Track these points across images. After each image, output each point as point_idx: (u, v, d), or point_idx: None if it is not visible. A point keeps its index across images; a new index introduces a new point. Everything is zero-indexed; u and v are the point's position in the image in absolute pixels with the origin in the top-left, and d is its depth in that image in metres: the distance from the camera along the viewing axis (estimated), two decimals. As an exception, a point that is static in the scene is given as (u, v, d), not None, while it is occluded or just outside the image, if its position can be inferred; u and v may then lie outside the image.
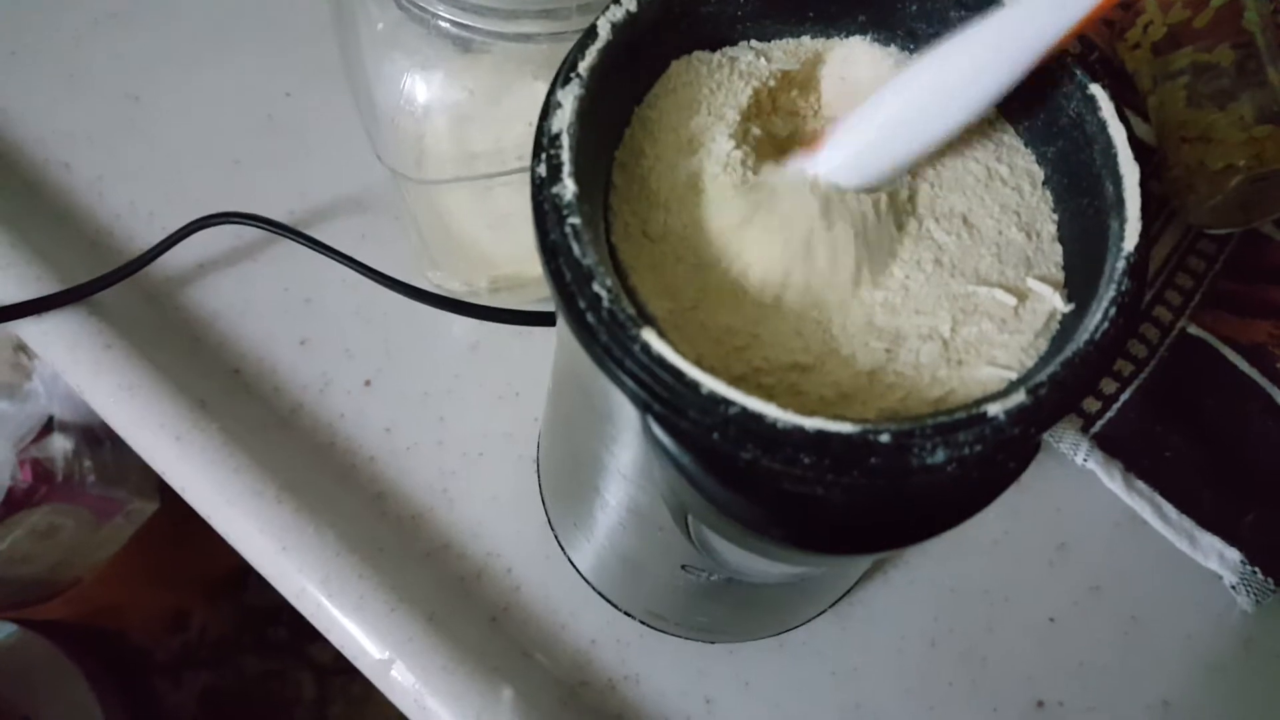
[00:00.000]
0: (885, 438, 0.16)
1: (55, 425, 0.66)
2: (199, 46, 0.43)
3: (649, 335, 0.17)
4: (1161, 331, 0.40)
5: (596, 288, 0.17)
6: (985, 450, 0.16)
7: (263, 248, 0.38)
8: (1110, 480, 0.37)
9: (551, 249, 0.18)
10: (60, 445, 0.69)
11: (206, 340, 0.37)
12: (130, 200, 0.39)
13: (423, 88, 0.27)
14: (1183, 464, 0.38)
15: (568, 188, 0.18)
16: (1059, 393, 0.17)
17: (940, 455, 0.16)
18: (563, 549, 0.34)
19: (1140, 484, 0.37)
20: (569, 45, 0.26)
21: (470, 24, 0.25)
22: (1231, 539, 0.37)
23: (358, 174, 0.40)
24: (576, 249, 0.17)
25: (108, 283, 0.35)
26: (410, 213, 0.32)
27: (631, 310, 0.17)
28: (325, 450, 0.36)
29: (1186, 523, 0.37)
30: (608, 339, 0.17)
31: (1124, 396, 0.39)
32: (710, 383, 0.16)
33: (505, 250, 0.35)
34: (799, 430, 0.16)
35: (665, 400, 0.17)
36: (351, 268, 0.36)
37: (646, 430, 0.17)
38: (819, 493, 0.16)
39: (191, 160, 0.40)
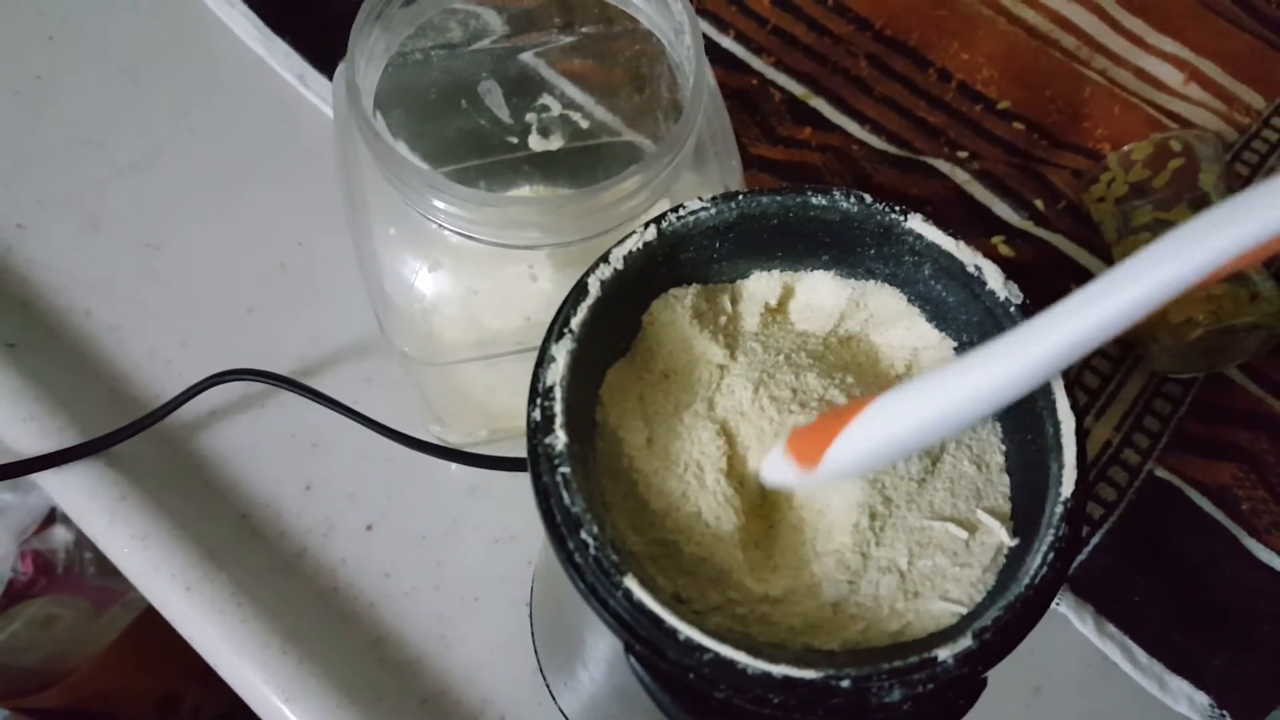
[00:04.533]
0: (846, 683, 0.18)
1: (57, 517, 0.67)
2: (216, 196, 0.45)
3: (631, 582, 0.18)
4: (1130, 474, 0.42)
5: (584, 535, 0.19)
6: (937, 688, 0.18)
7: (271, 394, 0.40)
8: (1082, 624, 0.39)
9: (543, 491, 0.20)
10: (61, 537, 0.70)
11: (216, 485, 0.39)
12: (149, 348, 0.41)
13: (431, 284, 0.29)
14: (1152, 607, 0.39)
15: (559, 439, 0.20)
16: (1001, 635, 0.18)
17: (896, 694, 0.18)
18: (554, 699, 0.35)
19: (1111, 627, 0.39)
20: (564, 250, 0.28)
21: (474, 235, 0.27)
22: (1200, 683, 0.38)
23: (364, 320, 0.42)
24: (566, 497, 0.19)
25: (125, 435, 0.37)
26: (414, 380, 0.35)
27: (616, 557, 0.19)
28: (328, 596, 0.37)
29: (1156, 666, 0.38)
30: (593, 580, 0.19)
31: (1094, 540, 0.40)
32: (687, 630, 0.18)
33: (506, 407, 0.37)
34: (768, 675, 0.18)
35: (645, 640, 0.18)
36: (354, 419, 0.38)
37: (627, 663, 0.19)
38: (785, 731, 0.18)
39: (208, 307, 0.42)
